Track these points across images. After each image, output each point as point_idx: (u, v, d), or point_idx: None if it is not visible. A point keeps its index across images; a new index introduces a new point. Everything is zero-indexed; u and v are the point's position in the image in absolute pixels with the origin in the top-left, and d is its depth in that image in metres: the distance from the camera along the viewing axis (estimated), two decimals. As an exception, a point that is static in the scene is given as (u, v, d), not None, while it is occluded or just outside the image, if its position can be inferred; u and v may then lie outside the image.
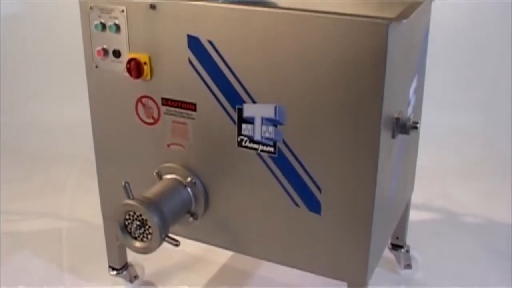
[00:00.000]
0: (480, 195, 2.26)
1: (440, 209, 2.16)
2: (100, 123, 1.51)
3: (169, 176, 1.43)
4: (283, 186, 1.32)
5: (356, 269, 1.32)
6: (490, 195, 2.26)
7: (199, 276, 1.78)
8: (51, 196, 2.25)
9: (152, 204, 1.32)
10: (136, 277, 1.72)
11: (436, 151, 2.51)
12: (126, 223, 1.35)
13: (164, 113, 1.40)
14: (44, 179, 2.39)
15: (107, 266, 1.69)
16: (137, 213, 1.32)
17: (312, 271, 1.38)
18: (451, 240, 1.99)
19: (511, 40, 2.60)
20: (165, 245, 1.92)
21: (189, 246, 1.90)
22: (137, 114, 1.43)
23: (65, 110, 2.74)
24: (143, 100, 1.42)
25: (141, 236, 1.35)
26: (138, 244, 1.36)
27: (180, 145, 1.41)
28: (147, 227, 1.33)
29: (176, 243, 1.33)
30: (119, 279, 1.72)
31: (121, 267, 1.68)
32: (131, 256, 1.71)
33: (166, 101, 1.39)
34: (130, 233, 1.36)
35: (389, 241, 1.77)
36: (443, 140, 2.61)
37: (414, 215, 1.98)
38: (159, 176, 1.44)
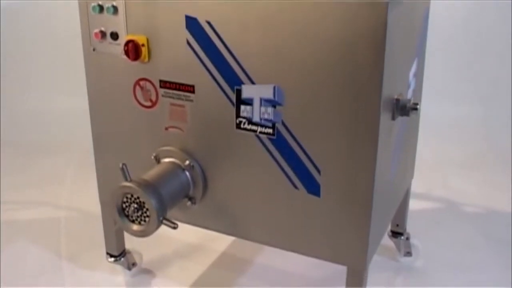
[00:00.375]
0: (481, 185, 2.25)
1: (441, 199, 2.15)
2: (97, 107, 1.50)
3: (167, 160, 1.42)
4: (282, 168, 1.31)
5: (356, 252, 1.30)
6: (491, 186, 2.25)
7: (197, 263, 1.77)
8: (49, 186, 2.24)
9: (150, 186, 1.31)
10: (134, 264, 1.71)
11: (436, 143, 2.50)
12: (124, 206, 1.34)
13: (162, 95, 1.39)
14: (42, 169, 2.39)
15: (105, 254, 1.68)
16: (135, 196, 1.31)
17: (311, 255, 1.37)
18: (451, 228, 1.98)
19: None
20: (164, 233, 1.92)
21: (187, 234, 1.92)
22: (135, 97, 1.42)
23: (63, 101, 2.73)
24: (141, 82, 1.40)
25: (138, 219, 1.34)
26: (135, 227, 1.34)
27: (178, 128, 1.40)
28: (144, 209, 1.32)
29: (174, 226, 1.32)
30: (117, 267, 1.71)
31: (119, 254, 1.66)
32: (129, 244, 1.71)
33: (164, 84, 1.38)
34: (127, 216, 1.35)
35: (389, 229, 1.76)
36: (444, 132, 2.60)
37: (414, 205, 1.97)
38: (157, 160, 1.43)
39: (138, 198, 1.31)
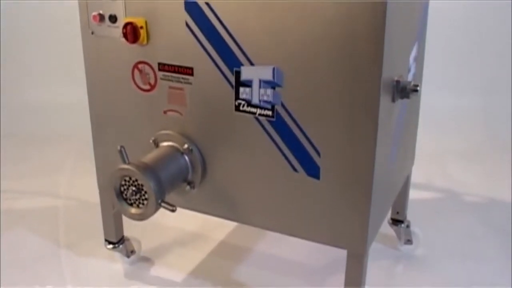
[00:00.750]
0: (481, 176, 2.24)
1: (441, 189, 2.14)
2: (96, 91, 1.49)
3: (165, 144, 1.41)
4: (281, 151, 1.30)
5: (356, 235, 1.29)
6: (491, 176, 2.24)
7: (197, 251, 1.76)
8: (48, 176, 2.24)
9: (148, 169, 1.30)
10: (132, 252, 1.70)
11: (437, 134, 2.49)
12: (122, 189, 1.33)
13: (161, 78, 1.38)
14: (41, 160, 2.38)
15: (103, 242, 1.67)
16: (133, 178, 1.30)
17: (311, 239, 1.36)
18: (451, 217, 1.97)
19: (512, 23, 2.60)
20: (163, 221, 1.94)
21: (186, 223, 1.92)
22: (134, 80, 1.41)
23: (62, 92, 2.72)
24: (140, 66, 1.39)
25: (137, 202, 1.32)
26: (134, 210, 1.33)
27: (177, 112, 1.39)
28: (143, 192, 1.31)
29: (173, 209, 1.30)
30: (116, 255, 1.70)
31: (118, 241, 1.65)
32: (128, 233, 1.70)
33: (162, 66, 1.36)
34: (126, 199, 1.34)
35: (389, 216, 1.75)
36: (444, 123, 2.59)
37: (414, 194, 1.96)
38: (156, 144, 1.42)
39: (136, 180, 1.30)
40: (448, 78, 2.68)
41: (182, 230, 1.88)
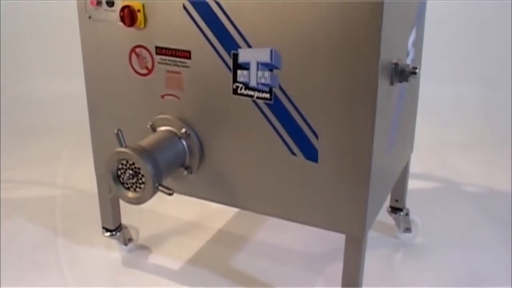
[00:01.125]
0: (481, 165, 2.24)
1: (440, 179, 2.13)
2: (93, 76, 1.48)
3: (163, 128, 1.40)
4: (279, 134, 1.29)
5: (354, 219, 1.28)
6: (491, 166, 2.24)
7: (194, 240, 1.75)
8: (45, 166, 2.24)
9: (145, 152, 1.29)
10: (130, 239, 1.69)
11: (436, 124, 2.48)
12: (119, 173, 1.32)
13: (158, 62, 1.37)
14: (38, 150, 2.38)
15: (101, 232, 1.66)
16: (130, 162, 1.29)
17: (309, 223, 1.35)
18: (451, 206, 1.96)
19: (511, 13, 2.59)
20: (160, 210, 1.93)
21: (184, 212, 1.92)
22: (131, 64, 1.40)
23: (60, 82, 2.71)
24: (137, 50, 1.38)
25: (134, 186, 1.32)
26: (131, 194, 1.32)
27: (175, 96, 1.38)
28: (140, 176, 1.30)
29: (170, 192, 1.29)
30: (113, 243, 1.69)
31: (115, 228, 1.64)
32: (126, 221, 1.69)
33: (160, 50, 1.36)
34: (123, 183, 1.33)
35: (388, 204, 1.75)
36: (444, 113, 2.58)
37: (414, 184, 1.96)
38: (153, 129, 1.41)
39: (133, 164, 1.29)
40: (447, 68, 2.67)
41: (180, 219, 1.87)
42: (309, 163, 1.29)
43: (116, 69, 1.43)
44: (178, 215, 1.89)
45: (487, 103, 2.63)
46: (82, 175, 2.09)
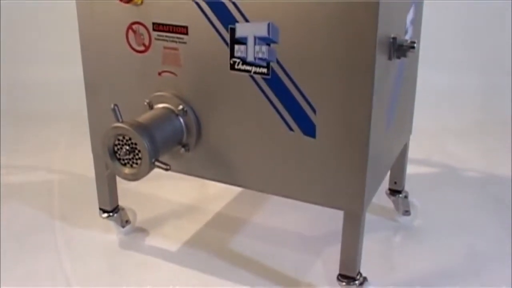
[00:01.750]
0: (480, 152, 2.23)
1: (440, 164, 2.13)
2: (89, 54, 1.47)
3: (160, 106, 1.40)
4: (277, 110, 1.28)
5: (353, 195, 1.27)
6: (490, 152, 2.23)
7: (192, 223, 1.74)
8: (43, 153, 2.23)
9: (142, 127, 1.28)
10: (127, 221, 1.68)
11: (435, 112, 2.47)
12: (115, 149, 1.32)
13: (155, 39, 1.36)
14: (37, 137, 2.37)
15: (98, 215, 1.64)
16: (126, 137, 1.29)
17: (307, 200, 1.34)
18: (450, 190, 1.96)
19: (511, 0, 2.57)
20: (158, 194, 1.92)
21: (182, 195, 1.91)
22: (128, 42, 1.39)
23: (58, 70, 2.70)
24: (134, 26, 1.38)
25: (130, 162, 1.31)
26: (127, 170, 1.32)
27: (172, 73, 1.37)
28: (136, 151, 1.29)
29: (166, 167, 1.29)
30: (110, 226, 1.68)
31: (112, 210, 1.63)
32: (123, 204, 1.68)
33: (157, 26, 1.35)
34: (119, 159, 1.32)
35: (387, 187, 1.74)
36: (443, 101, 2.57)
37: (413, 169, 1.95)
38: (150, 106, 1.40)
39: (130, 139, 1.28)
40: (446, 56, 2.66)
41: (178, 203, 1.86)
42: (307, 138, 1.28)
43: (113, 46, 1.42)
44: (176, 198, 1.88)
45: (486, 90, 2.62)
46: (79, 161, 2.08)
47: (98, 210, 1.65)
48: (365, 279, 1.38)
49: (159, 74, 1.39)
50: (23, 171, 2.09)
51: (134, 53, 1.40)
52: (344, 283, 1.37)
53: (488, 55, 2.66)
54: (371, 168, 1.28)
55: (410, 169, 1.81)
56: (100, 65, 1.46)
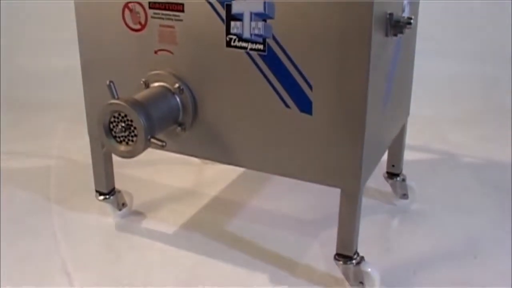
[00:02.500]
0: (479, 139, 2.23)
1: (438, 150, 2.12)
2: (85, 34, 1.46)
3: (156, 84, 1.39)
4: (273, 87, 1.28)
5: (350, 172, 1.27)
6: (489, 140, 2.22)
7: (189, 207, 1.74)
8: (41, 140, 2.23)
9: (138, 104, 1.28)
10: (124, 204, 1.67)
11: (434, 100, 2.47)
12: (111, 126, 1.31)
13: (151, 17, 1.35)
14: (35, 125, 2.37)
15: (94, 200, 1.64)
16: (122, 114, 1.28)
17: (304, 179, 1.33)
18: (448, 175, 1.96)
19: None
20: (155, 179, 1.92)
21: (180, 180, 1.91)
22: (124, 20, 1.39)
23: (57, 59, 2.70)
24: (130, 5, 1.37)
25: (126, 139, 1.30)
26: (123, 147, 1.31)
27: (168, 51, 1.37)
28: (132, 128, 1.28)
29: (162, 144, 1.28)
30: (107, 210, 1.67)
31: (108, 192, 1.62)
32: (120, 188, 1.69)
33: (153, 4, 1.34)
34: (115, 137, 1.32)
35: (385, 170, 1.73)
36: (442, 89, 2.57)
37: (412, 155, 1.95)
38: (146, 85, 1.40)
39: (125, 116, 1.27)
40: (446, 44, 2.66)
41: (175, 187, 1.86)
42: (304, 115, 1.27)
43: (109, 25, 1.41)
44: (173, 183, 1.88)
45: (486, 79, 2.61)
46: (77, 148, 2.08)
47: (94, 195, 1.64)
48: (362, 258, 1.37)
49: (155, 52, 1.38)
50: (20, 157, 2.08)
51: (130, 31, 1.40)
52: (341, 262, 1.37)
53: (488, 43, 2.65)
54: (368, 146, 1.27)
55: (409, 155, 1.81)
56: (96, 44, 1.46)
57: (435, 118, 2.39)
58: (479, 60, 2.64)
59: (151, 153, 2.02)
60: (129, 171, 1.90)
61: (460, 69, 2.63)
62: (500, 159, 2.06)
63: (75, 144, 2.12)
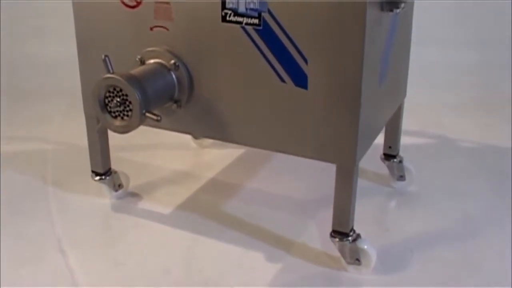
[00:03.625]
0: (476, 125, 2.22)
1: (436, 135, 2.11)
2: (81, 10, 1.46)
3: (152, 61, 1.39)
4: (268, 61, 1.27)
5: (345, 148, 1.26)
6: (486, 125, 2.22)
7: (186, 188, 1.74)
8: (39, 125, 2.22)
9: (133, 78, 1.27)
10: (120, 185, 1.67)
11: (432, 88, 2.46)
12: (106, 101, 1.31)
13: (147, -7, 1.36)
14: (32, 111, 2.35)
15: (91, 181, 1.63)
16: (117, 88, 1.28)
17: (299, 154, 1.33)
18: (446, 159, 1.95)
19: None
20: (152, 162, 1.91)
21: (176, 163, 1.91)
22: (120, -3, 1.39)
23: (55, 47, 2.69)
24: (126, -19, 1.37)
25: (121, 114, 1.30)
26: (118, 122, 1.30)
27: (164, 27, 1.36)
28: (127, 103, 1.28)
29: (157, 118, 1.28)
30: (103, 191, 1.66)
31: (104, 172, 1.62)
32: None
33: (149, -20, 1.35)
34: (110, 112, 1.31)
35: (382, 152, 1.73)
36: (439, 76, 2.57)
37: (408, 140, 1.94)
38: (142, 62, 1.39)
39: (121, 90, 1.27)
40: (444, 30, 2.65)
41: (172, 170, 1.85)
42: (299, 90, 1.27)
43: (104, 2, 1.41)
44: (169, 166, 1.87)
45: (484, 65, 2.61)
46: (73, 133, 2.08)
47: (90, 177, 1.64)
48: (358, 235, 1.37)
49: (151, 29, 1.38)
50: (18, 141, 2.08)
51: (126, 8, 1.39)
52: (337, 240, 1.36)
53: (486, 30, 2.65)
54: (363, 121, 1.27)
55: (406, 139, 1.81)
56: (92, 21, 1.45)
57: (432, 104, 2.38)
58: (477, 46, 2.63)
59: (148, 138, 2.05)
60: (126, 154, 1.90)
61: (458, 55, 2.63)
62: (496, 143, 2.05)
63: (73, 129, 2.11)
